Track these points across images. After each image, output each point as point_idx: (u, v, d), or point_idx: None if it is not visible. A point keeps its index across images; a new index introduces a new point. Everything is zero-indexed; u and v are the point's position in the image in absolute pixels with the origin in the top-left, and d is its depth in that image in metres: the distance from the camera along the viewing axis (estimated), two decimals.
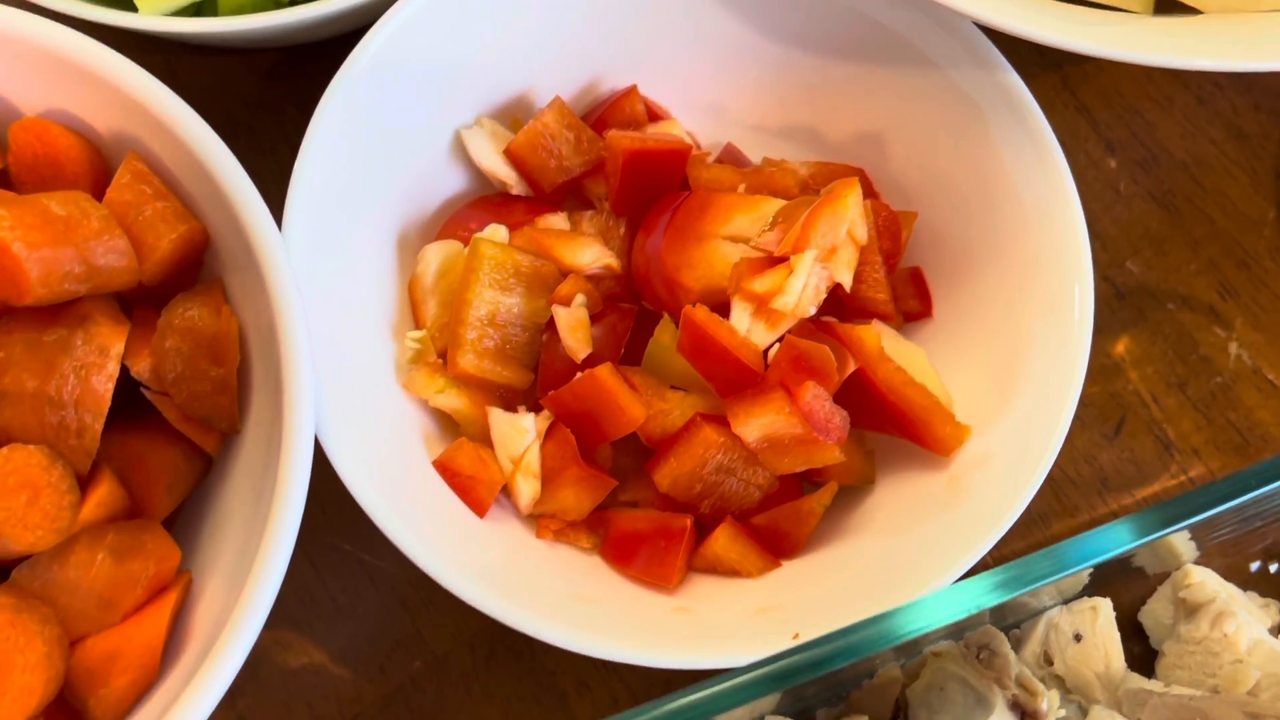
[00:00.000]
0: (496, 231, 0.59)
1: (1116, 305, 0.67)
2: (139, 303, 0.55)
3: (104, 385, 0.49)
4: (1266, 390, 0.66)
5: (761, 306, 0.54)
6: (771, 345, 0.54)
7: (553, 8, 0.61)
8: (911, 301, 0.61)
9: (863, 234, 0.56)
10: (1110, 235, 0.68)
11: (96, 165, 0.54)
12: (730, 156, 0.65)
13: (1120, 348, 0.67)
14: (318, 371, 0.52)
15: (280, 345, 0.50)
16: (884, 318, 0.59)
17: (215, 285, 0.54)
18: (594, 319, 0.58)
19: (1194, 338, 0.67)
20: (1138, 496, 0.64)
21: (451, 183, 0.63)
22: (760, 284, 0.54)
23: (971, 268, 0.60)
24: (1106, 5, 0.59)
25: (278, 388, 0.50)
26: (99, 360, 0.49)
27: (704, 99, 0.66)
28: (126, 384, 0.52)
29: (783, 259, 0.54)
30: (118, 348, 0.50)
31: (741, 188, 0.59)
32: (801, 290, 0.53)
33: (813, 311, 0.54)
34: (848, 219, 0.55)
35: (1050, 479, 0.64)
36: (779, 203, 0.57)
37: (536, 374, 0.58)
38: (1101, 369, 0.66)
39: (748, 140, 0.66)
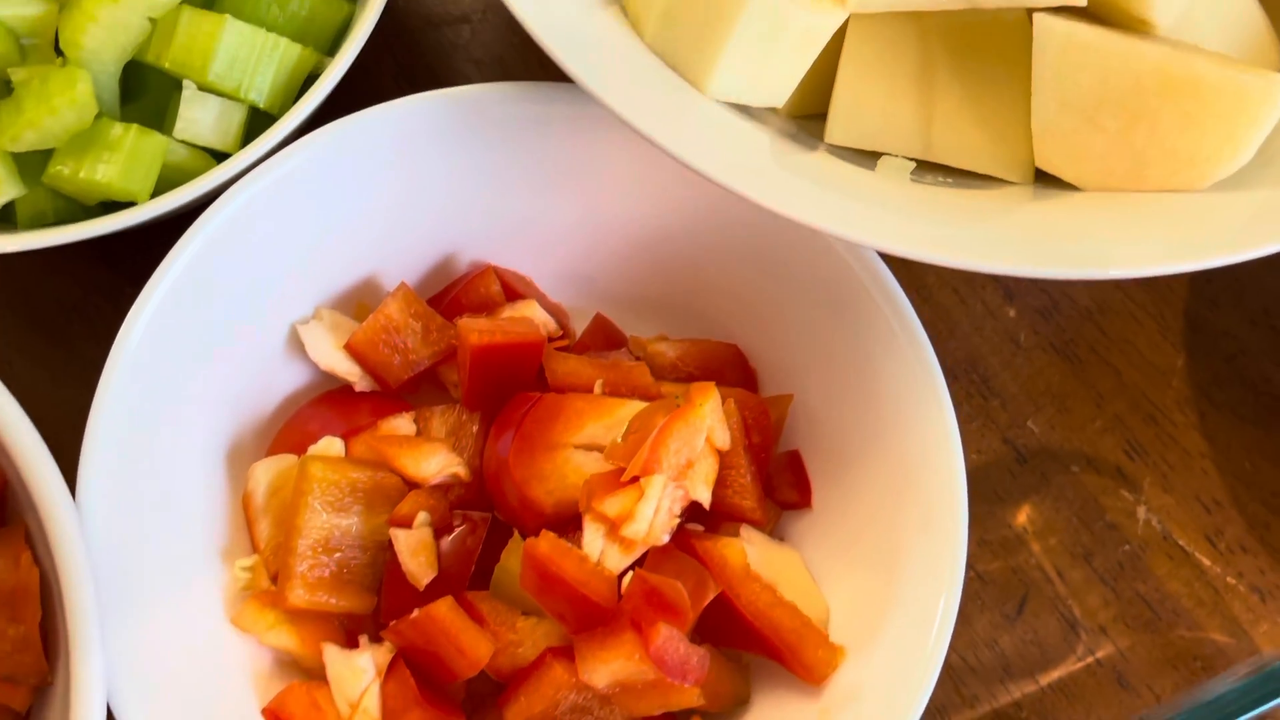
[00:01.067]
0: (330, 445, 0.54)
1: (1018, 470, 0.63)
2: None
3: None
4: (1178, 558, 0.62)
5: (614, 529, 0.50)
6: (627, 570, 0.50)
7: (393, 188, 0.57)
8: (789, 491, 0.57)
9: (724, 439, 0.52)
10: (1010, 393, 0.64)
11: None
12: (598, 330, 0.61)
13: (1022, 517, 0.62)
14: (119, 626, 0.48)
15: (65, 611, 0.45)
16: (753, 523, 0.55)
17: (17, 530, 0.50)
18: (441, 533, 0.53)
19: (1100, 503, 0.63)
20: (1042, 682, 0.60)
21: (291, 378, 0.58)
22: (610, 506, 0.50)
23: (851, 457, 0.56)
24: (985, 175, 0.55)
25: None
26: None
27: (572, 269, 0.62)
28: None
29: (633, 477, 0.50)
30: None
31: (598, 384, 0.55)
32: (653, 516, 0.49)
33: (666, 539, 0.50)
34: (704, 429, 0.51)
35: (948, 667, 0.60)
36: (634, 407, 0.53)
37: (380, 595, 0.54)
38: (1003, 542, 0.62)
39: (619, 311, 0.62)
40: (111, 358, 0.50)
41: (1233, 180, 0.50)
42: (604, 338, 0.61)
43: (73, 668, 0.44)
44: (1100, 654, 0.60)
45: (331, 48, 0.58)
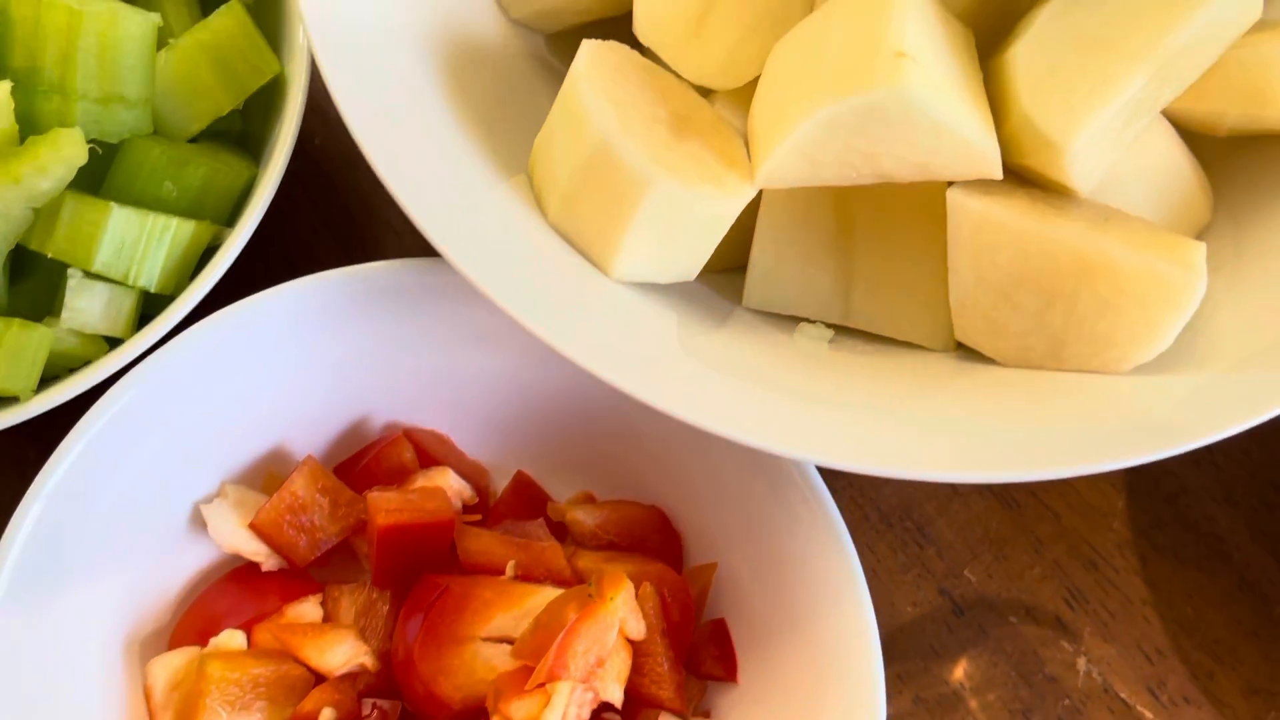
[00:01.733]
0: (231, 639, 0.52)
1: (955, 623, 0.61)
2: None
3: None
4: (1119, 710, 0.60)
5: None
6: None
7: (305, 358, 0.55)
8: (713, 664, 0.55)
9: (638, 629, 0.50)
10: (947, 540, 0.63)
11: None
12: (519, 491, 0.59)
13: (959, 672, 0.61)
14: None
15: None
16: (672, 711, 0.53)
17: None
18: None
19: (1039, 654, 0.61)
20: None
21: (199, 557, 0.56)
22: (517, 711, 0.48)
23: (775, 631, 0.54)
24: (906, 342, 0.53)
25: None
26: None
27: (492, 424, 0.60)
28: None
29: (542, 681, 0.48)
30: None
31: (510, 566, 0.53)
32: None
33: None
34: (615, 624, 0.49)
35: None
36: (545, 595, 0.51)
37: None
38: (940, 700, 0.60)
39: (542, 468, 0.60)
40: (3, 545, 0.49)
41: (1157, 363, 0.48)
42: (524, 499, 0.59)
43: None
44: None
45: (238, 208, 0.56)
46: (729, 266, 0.56)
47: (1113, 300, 0.47)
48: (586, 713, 0.48)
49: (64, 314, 0.50)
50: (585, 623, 0.48)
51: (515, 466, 0.60)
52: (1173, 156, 0.53)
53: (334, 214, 0.67)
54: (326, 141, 0.67)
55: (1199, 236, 0.56)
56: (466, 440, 0.60)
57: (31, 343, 0.49)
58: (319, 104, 0.63)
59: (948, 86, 0.46)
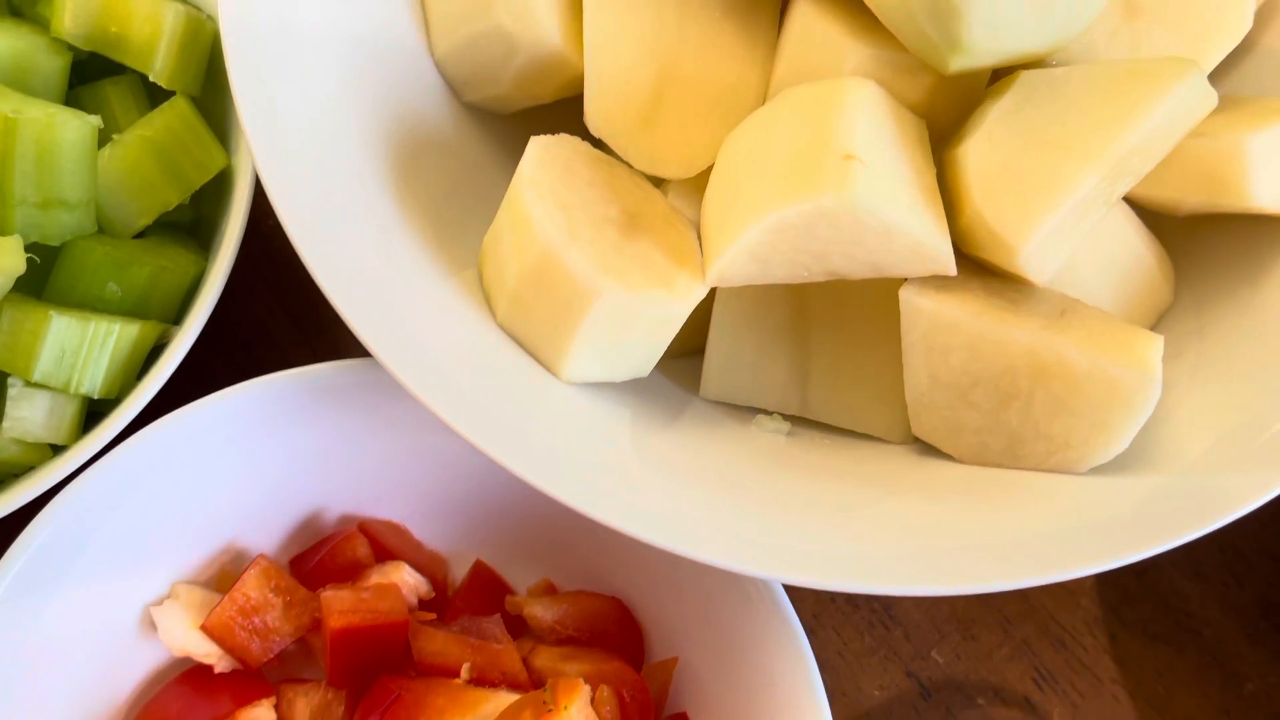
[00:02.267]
0: None
1: (922, 706, 0.61)
2: None
3: None
4: None
5: None
6: None
7: (254, 458, 0.54)
8: None
9: None
10: (913, 620, 0.62)
11: None
12: (478, 581, 0.58)
13: None
14: None
15: None
16: None
17: None
18: None
19: None
20: None
21: (150, 659, 0.55)
22: None
23: None
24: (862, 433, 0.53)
25: None
26: None
27: (450, 512, 0.59)
28: None
29: None
30: None
31: (465, 668, 0.52)
32: None
33: None
34: None
35: None
36: (501, 701, 0.50)
37: None
38: None
39: (502, 555, 0.59)
40: None
41: (1117, 462, 0.47)
42: (483, 589, 0.58)
43: None
44: None
45: (189, 299, 0.55)
46: (686, 352, 0.56)
47: (1068, 402, 0.46)
48: None
49: (5, 423, 0.50)
50: None
51: (474, 555, 0.59)
52: (1131, 243, 0.53)
53: (290, 295, 0.66)
54: None
55: (1161, 319, 0.55)
56: (424, 529, 0.59)
57: None
58: None
59: (898, 186, 0.45)
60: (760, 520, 0.47)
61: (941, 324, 0.47)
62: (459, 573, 0.60)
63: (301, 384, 0.52)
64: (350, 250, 0.48)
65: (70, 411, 0.51)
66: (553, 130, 0.54)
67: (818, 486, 0.49)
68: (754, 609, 0.51)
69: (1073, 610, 0.62)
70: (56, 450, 0.52)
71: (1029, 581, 0.43)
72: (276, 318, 0.65)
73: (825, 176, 0.44)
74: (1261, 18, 0.57)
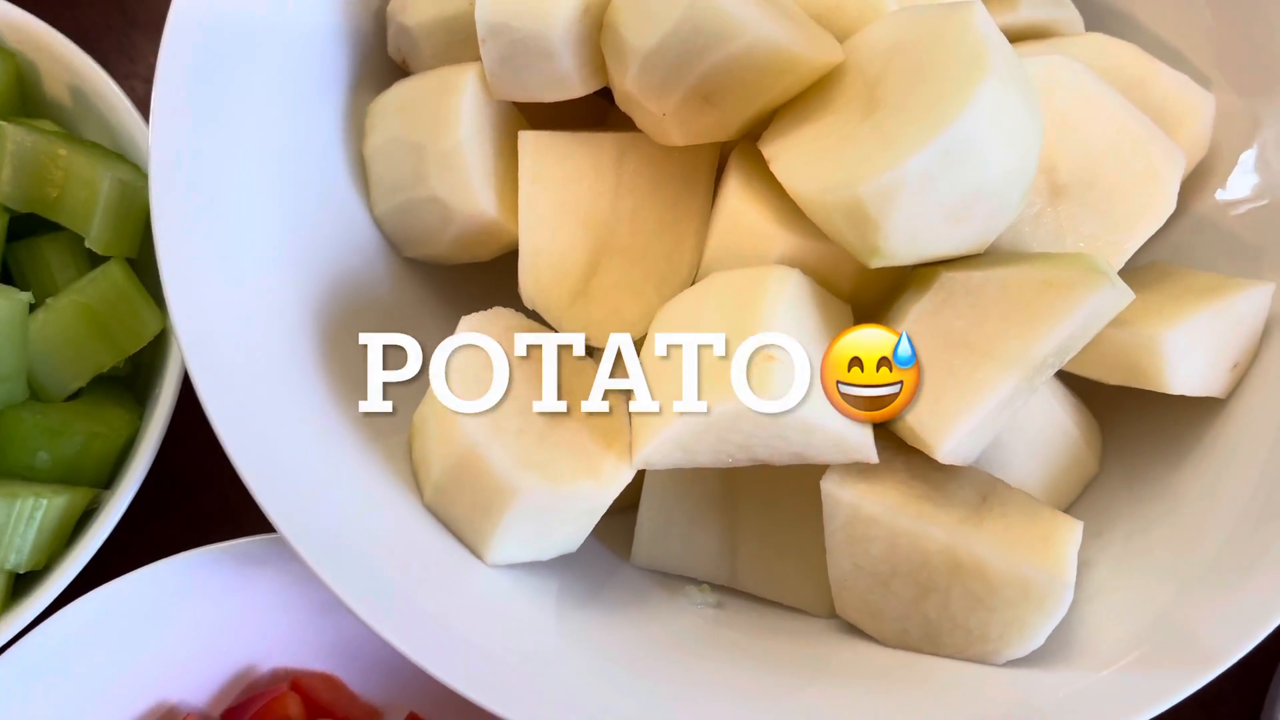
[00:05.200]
0: None
1: None
2: None
3: None
4: None
5: None
6: None
7: (185, 625, 0.54)
8: None
9: None
10: None
11: None
12: None
13: None
14: None
15: None
16: None
17: None
18: None
19: None
20: None
21: None
22: None
23: None
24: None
25: None
26: None
27: (384, 664, 0.59)
28: None
29: None
30: None
31: None
32: None
33: None
34: None
35: None
36: None
37: None
38: None
39: (434, 709, 0.59)
40: None
41: (1034, 656, 0.48)
42: None
43: None
44: None
45: (123, 458, 0.55)
46: (618, 509, 0.56)
47: (984, 599, 0.47)
48: None
49: None
50: None
51: (408, 707, 0.59)
52: (1057, 418, 0.53)
53: None
54: None
55: (1091, 486, 0.56)
56: (358, 681, 0.59)
57: None
58: None
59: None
60: (682, 709, 0.47)
61: (861, 516, 0.48)
62: None
63: (230, 556, 0.53)
64: (270, 430, 0.48)
65: None
66: (497, 280, 0.55)
67: (741, 671, 0.50)
68: None
69: None
70: None
71: None
72: (220, 460, 0.65)
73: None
74: (1190, 185, 0.58)
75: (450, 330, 0.58)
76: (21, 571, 0.51)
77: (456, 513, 0.49)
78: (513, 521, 0.47)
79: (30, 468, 0.52)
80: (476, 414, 0.47)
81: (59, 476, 0.52)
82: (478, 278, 0.59)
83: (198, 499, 0.65)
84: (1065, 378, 0.54)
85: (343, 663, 0.59)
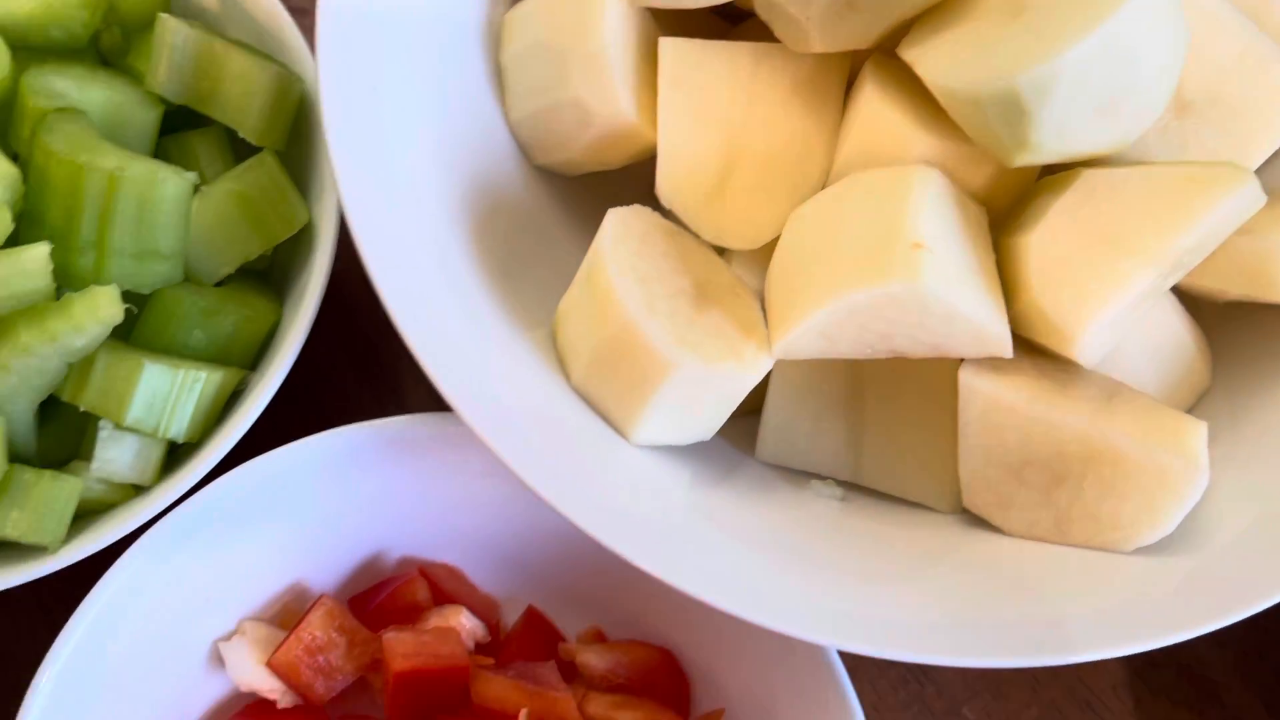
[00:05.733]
0: None
1: None
2: None
3: None
4: None
5: None
6: None
7: (326, 504, 0.56)
8: None
9: None
10: (946, 678, 0.64)
11: None
12: (530, 626, 0.60)
13: None
14: None
15: None
16: None
17: None
18: None
19: None
20: None
21: (213, 692, 0.57)
22: None
23: None
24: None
25: None
26: None
27: (504, 558, 0.61)
28: None
29: None
30: None
31: (523, 715, 0.54)
32: None
33: None
34: None
35: None
36: None
37: None
38: None
39: (553, 601, 0.61)
40: (24, 709, 0.49)
41: (1158, 544, 0.49)
42: (535, 635, 0.60)
43: None
44: None
45: (262, 349, 0.57)
46: (742, 412, 0.58)
47: (1117, 486, 0.48)
48: None
49: (94, 464, 0.51)
50: None
51: (526, 600, 0.61)
52: (1175, 328, 0.55)
53: (352, 341, 0.68)
54: (349, 265, 0.68)
55: (1199, 402, 0.57)
56: (479, 574, 0.61)
57: (61, 495, 0.50)
58: (343, 233, 0.65)
59: (962, 273, 0.48)
60: (813, 586, 0.49)
61: (998, 406, 0.49)
62: (510, 618, 0.62)
63: (373, 436, 0.55)
64: (435, 310, 0.50)
65: (155, 455, 0.53)
66: (616, 192, 0.57)
67: (869, 555, 0.51)
68: (802, 666, 0.54)
69: (1099, 674, 0.65)
70: (138, 491, 0.54)
71: (1072, 658, 0.46)
72: (338, 363, 0.67)
73: (895, 264, 0.46)
74: None
75: (572, 235, 0.61)
76: (180, 442, 0.53)
77: (606, 392, 0.51)
78: (664, 397, 0.49)
79: (186, 346, 0.54)
80: (634, 293, 0.48)
81: (211, 357, 0.54)
82: (601, 190, 0.61)
83: (317, 397, 0.67)
84: (1178, 295, 0.56)
85: (466, 556, 0.61)
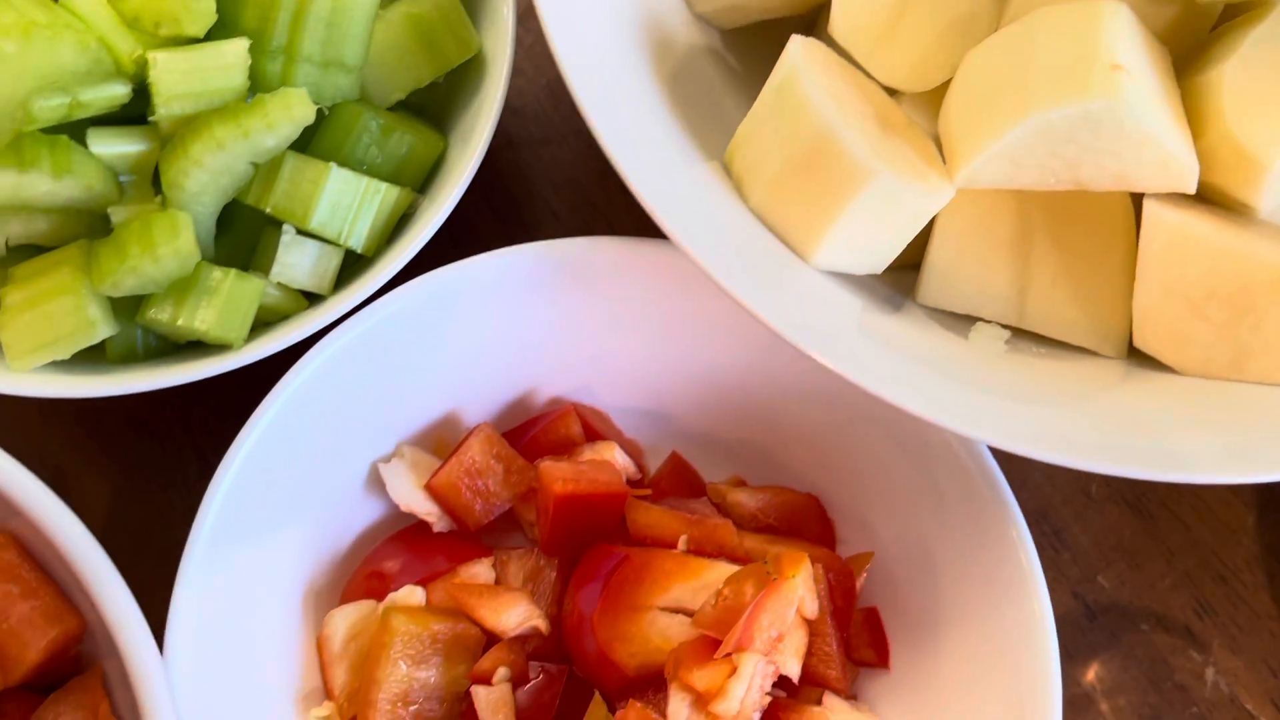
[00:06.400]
0: (411, 595, 0.53)
1: (1088, 627, 0.63)
2: (9, 693, 0.49)
3: None
4: None
5: (701, 700, 0.49)
6: None
7: (481, 332, 0.57)
8: (866, 650, 0.56)
9: (813, 609, 0.52)
10: (1081, 545, 0.64)
11: None
12: (674, 471, 0.61)
13: (1091, 675, 0.62)
14: None
15: None
16: (835, 691, 0.54)
17: (94, 679, 0.49)
18: (518, 684, 0.53)
19: (1169, 663, 0.62)
20: None
21: (370, 514, 0.58)
22: (700, 680, 0.49)
23: (931, 620, 0.55)
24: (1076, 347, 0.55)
25: None
26: None
27: (648, 405, 0.61)
28: None
29: (725, 653, 0.49)
30: None
31: (683, 541, 0.54)
32: (744, 695, 0.48)
33: (757, 718, 0.49)
34: (795, 601, 0.50)
35: None
36: (722, 570, 0.52)
37: None
38: (1071, 701, 0.61)
39: (694, 451, 0.61)
40: (206, 501, 0.50)
41: None
42: (681, 480, 0.61)
43: None
44: None
45: (426, 179, 0.58)
46: (903, 264, 0.58)
47: None
48: (768, 684, 0.49)
49: (275, 269, 0.52)
50: (770, 598, 0.49)
51: (669, 448, 0.62)
52: None
53: (495, 194, 0.68)
54: None
55: None
56: (624, 422, 0.62)
57: (246, 293, 0.50)
58: None
59: (1157, 101, 0.48)
60: (978, 394, 0.49)
61: (1185, 237, 0.49)
62: (653, 465, 0.62)
63: (545, 254, 0.55)
64: (639, 135, 0.51)
65: (334, 263, 0.53)
66: (768, 46, 0.57)
67: (1032, 382, 0.52)
68: (954, 510, 0.54)
69: (1233, 547, 0.65)
70: (312, 303, 0.54)
71: (1238, 478, 0.46)
72: (480, 213, 0.68)
73: (1094, 83, 0.46)
74: None
75: (729, 84, 0.61)
76: (358, 252, 0.53)
77: (790, 210, 0.51)
78: (855, 210, 0.49)
79: (362, 162, 0.54)
80: (829, 106, 0.49)
81: (384, 176, 0.55)
82: (751, 44, 0.62)
83: (458, 241, 0.67)
84: None
85: (611, 404, 0.61)
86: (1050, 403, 0.50)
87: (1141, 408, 0.50)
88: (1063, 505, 0.65)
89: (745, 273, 0.48)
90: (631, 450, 0.61)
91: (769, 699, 0.50)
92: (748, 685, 0.48)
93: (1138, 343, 0.53)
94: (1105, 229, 0.53)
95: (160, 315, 0.50)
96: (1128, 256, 0.53)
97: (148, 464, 0.62)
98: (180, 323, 0.50)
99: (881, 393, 0.46)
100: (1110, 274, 0.53)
